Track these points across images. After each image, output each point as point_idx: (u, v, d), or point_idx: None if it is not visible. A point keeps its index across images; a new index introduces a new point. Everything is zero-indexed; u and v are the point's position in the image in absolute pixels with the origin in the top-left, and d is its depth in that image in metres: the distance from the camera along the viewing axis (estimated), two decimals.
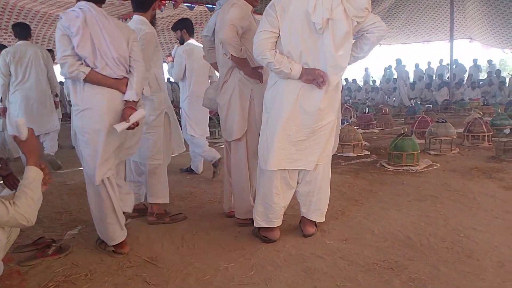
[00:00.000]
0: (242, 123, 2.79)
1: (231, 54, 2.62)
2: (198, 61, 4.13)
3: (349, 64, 2.48)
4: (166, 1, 9.50)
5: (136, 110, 2.40)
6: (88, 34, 2.25)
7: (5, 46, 6.06)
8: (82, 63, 2.28)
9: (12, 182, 2.23)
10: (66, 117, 8.93)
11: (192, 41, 4.29)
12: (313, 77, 2.35)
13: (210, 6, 10.09)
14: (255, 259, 2.36)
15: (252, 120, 2.81)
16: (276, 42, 2.40)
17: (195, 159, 4.62)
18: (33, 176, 1.81)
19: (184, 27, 4.25)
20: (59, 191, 3.96)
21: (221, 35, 2.62)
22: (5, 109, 4.78)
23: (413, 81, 16.74)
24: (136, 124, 2.39)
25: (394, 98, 15.28)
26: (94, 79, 2.29)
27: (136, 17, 2.88)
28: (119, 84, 2.38)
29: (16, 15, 9.95)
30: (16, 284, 2.14)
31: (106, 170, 2.36)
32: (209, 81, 4.40)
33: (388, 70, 18.79)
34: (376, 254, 2.37)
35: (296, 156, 2.47)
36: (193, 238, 2.72)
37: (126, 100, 2.39)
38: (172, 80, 8.97)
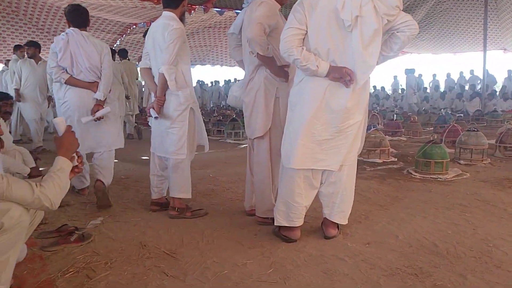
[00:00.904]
0: (266, 120, 2.77)
1: (258, 53, 2.61)
2: None
3: (378, 63, 2.43)
4: (196, 6, 9.64)
5: (103, 107, 3.31)
6: (69, 51, 3.28)
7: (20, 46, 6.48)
8: (63, 71, 3.32)
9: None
10: None
11: None
12: (341, 75, 2.30)
13: (239, 11, 10.20)
14: (275, 257, 2.33)
15: (277, 118, 2.78)
16: (304, 39, 2.38)
17: None
18: (60, 164, 1.85)
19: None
20: None
21: (249, 33, 2.61)
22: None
23: (443, 91, 16.36)
24: (100, 118, 3.28)
25: (423, 108, 14.98)
26: (71, 82, 3.34)
27: (165, 13, 2.93)
28: (91, 86, 3.36)
29: (52, 16, 10.32)
30: (38, 268, 2.18)
31: None
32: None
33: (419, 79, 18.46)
34: (399, 259, 2.29)
35: (320, 156, 2.43)
36: (213, 234, 2.71)
37: (96, 99, 3.32)
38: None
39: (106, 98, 3.39)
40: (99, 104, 3.32)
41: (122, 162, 5.36)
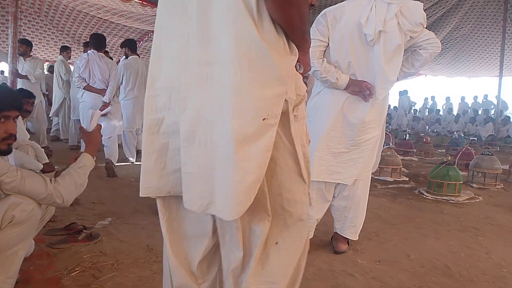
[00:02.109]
0: None
1: None
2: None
3: (398, 79, 2.41)
4: None
5: (108, 107, 4.60)
6: (88, 66, 4.70)
7: (68, 47, 6.70)
8: (83, 80, 4.72)
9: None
10: None
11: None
12: (360, 89, 2.29)
13: None
14: None
15: None
16: (324, 51, 2.37)
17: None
18: (84, 162, 1.86)
19: (127, 46, 5.63)
20: (95, 184, 4.03)
21: None
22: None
23: (457, 114, 16.26)
24: (105, 114, 4.49)
25: (435, 130, 14.89)
26: (88, 88, 4.75)
27: None
28: (101, 92, 4.76)
29: (87, 24, 10.51)
30: (44, 265, 2.17)
31: None
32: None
33: (432, 101, 18.41)
34: (411, 279, 2.23)
35: (336, 169, 2.40)
36: None
37: (103, 101, 4.71)
38: None
39: (110, 101, 4.79)
40: (105, 105, 4.65)
41: (131, 165, 5.38)
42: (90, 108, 4.23)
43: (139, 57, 5.81)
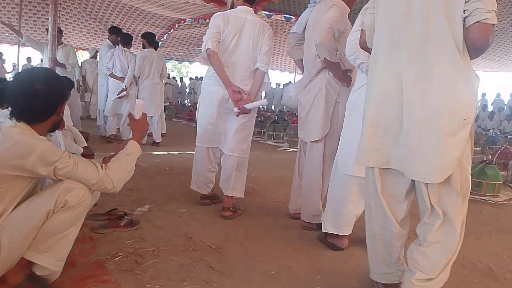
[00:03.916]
0: (325, 125, 2.72)
1: (325, 58, 2.56)
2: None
3: None
4: None
5: (124, 91, 5.95)
6: (112, 58, 6.05)
7: (121, 30, 6.89)
8: (108, 69, 6.07)
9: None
10: None
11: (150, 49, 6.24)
12: None
13: (287, 16, 10.15)
14: (321, 263, 2.28)
15: (335, 123, 2.72)
16: None
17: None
18: (132, 149, 1.89)
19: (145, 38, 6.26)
20: None
21: (317, 37, 2.56)
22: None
23: (492, 111, 15.72)
24: (121, 97, 6.01)
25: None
26: (112, 76, 6.06)
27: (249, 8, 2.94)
28: (121, 79, 5.96)
29: (111, 9, 10.66)
30: (88, 249, 2.22)
31: None
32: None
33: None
34: (453, 280, 2.17)
35: None
36: (257, 233, 2.68)
37: (122, 87, 5.98)
38: None
39: (127, 87, 5.98)
40: (123, 90, 5.93)
41: (166, 154, 5.46)
42: (111, 91, 6.10)
43: (155, 49, 6.49)
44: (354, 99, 2.42)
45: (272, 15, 11.03)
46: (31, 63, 12.79)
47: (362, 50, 2.24)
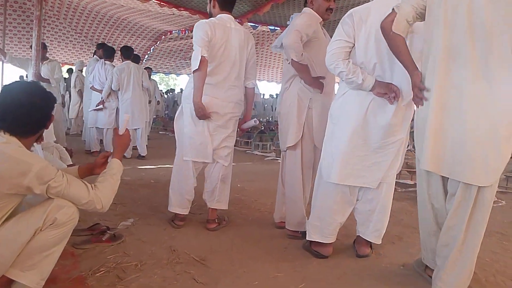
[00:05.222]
0: (297, 131, 2.74)
1: (292, 59, 2.59)
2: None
3: None
4: None
5: (102, 104, 6.15)
6: (93, 72, 6.37)
7: (106, 45, 6.84)
8: (90, 82, 6.37)
9: None
10: None
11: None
12: (386, 91, 2.25)
13: (272, 28, 10.24)
14: (306, 272, 2.27)
15: (309, 130, 2.76)
16: (350, 52, 2.34)
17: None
18: (117, 168, 1.90)
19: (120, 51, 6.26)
20: None
21: (285, 39, 2.62)
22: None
23: None
24: (99, 109, 6.19)
25: None
26: (93, 89, 6.36)
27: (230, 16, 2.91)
28: (101, 91, 6.15)
29: (91, 19, 10.65)
30: (69, 265, 2.18)
31: None
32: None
33: None
34: None
35: (361, 172, 2.36)
36: (242, 244, 2.67)
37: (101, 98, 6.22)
38: None
39: (104, 99, 6.17)
40: (101, 102, 6.15)
41: (151, 168, 5.42)
42: (93, 104, 6.18)
43: (137, 62, 6.65)
44: (337, 107, 2.44)
45: (257, 26, 11.12)
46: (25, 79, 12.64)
47: (342, 59, 2.29)
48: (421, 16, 2.01)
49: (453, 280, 1.97)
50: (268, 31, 11.23)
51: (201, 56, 2.60)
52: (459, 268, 1.97)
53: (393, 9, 2.02)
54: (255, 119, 3.04)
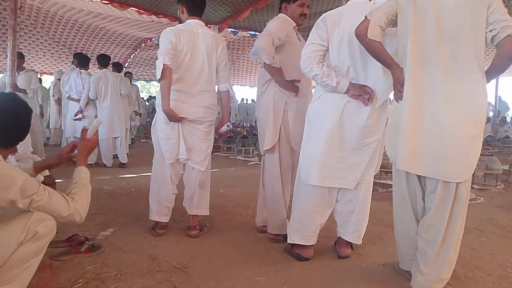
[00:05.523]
0: (273, 134, 2.76)
1: (264, 62, 2.62)
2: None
3: None
4: (212, 25, 9.75)
5: (80, 113, 5.99)
6: (69, 81, 6.21)
7: (81, 53, 6.78)
8: (67, 92, 6.34)
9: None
10: None
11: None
12: (360, 93, 2.29)
13: (253, 33, 10.29)
14: (288, 275, 2.27)
15: (286, 133, 2.78)
16: (324, 55, 2.37)
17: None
18: (86, 176, 1.89)
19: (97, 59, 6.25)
20: (95, 195, 3.98)
21: (256, 43, 2.65)
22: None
23: None
24: (78, 118, 6.06)
25: None
26: (70, 98, 6.23)
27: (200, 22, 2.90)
28: (79, 101, 6.03)
29: (70, 28, 10.53)
30: (47, 277, 2.15)
31: None
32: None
33: None
34: None
35: (339, 174, 2.39)
36: (224, 249, 2.66)
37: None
38: None
39: (82, 108, 6.06)
40: (79, 111, 6.04)
41: (132, 176, 5.37)
42: (70, 114, 6.06)
43: (119, 71, 6.75)
44: (313, 110, 2.46)
45: (238, 32, 11.15)
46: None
47: (317, 62, 2.32)
48: (392, 22, 2.08)
49: (434, 275, 2.04)
50: (248, 37, 11.26)
51: (163, 65, 2.61)
52: (440, 264, 2.04)
53: (365, 16, 2.07)
54: (228, 123, 3.04)
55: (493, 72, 1.98)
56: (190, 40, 2.77)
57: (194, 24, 2.83)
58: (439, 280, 2.05)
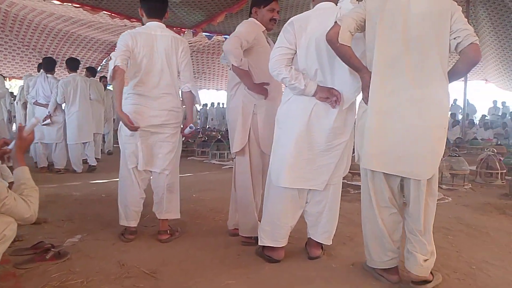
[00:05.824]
0: (242, 137, 2.77)
1: (232, 64, 2.64)
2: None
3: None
4: (186, 30, 9.72)
5: (48, 118, 5.80)
6: (35, 86, 5.93)
7: (48, 58, 6.56)
8: (33, 97, 5.97)
9: None
10: None
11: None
12: (327, 95, 2.32)
13: (227, 37, 10.32)
14: (259, 278, 2.28)
15: (255, 135, 2.79)
16: (292, 59, 2.40)
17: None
18: (30, 176, 1.92)
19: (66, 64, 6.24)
20: (64, 201, 3.94)
21: (225, 45, 2.67)
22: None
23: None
24: (46, 124, 5.78)
25: None
26: (36, 104, 5.91)
27: (161, 24, 2.88)
28: (46, 106, 5.86)
29: (39, 33, 10.30)
30: (10, 286, 2.09)
31: None
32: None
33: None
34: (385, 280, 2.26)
35: (309, 175, 2.42)
36: (196, 253, 2.64)
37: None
38: None
39: (51, 113, 5.88)
40: (47, 116, 5.83)
41: (103, 182, 5.28)
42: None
43: (93, 76, 6.76)
44: (282, 113, 2.49)
45: (213, 36, 11.16)
46: None
47: (285, 65, 2.34)
48: (361, 28, 2.15)
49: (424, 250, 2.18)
50: (223, 41, 11.28)
51: (114, 66, 2.59)
52: (424, 251, 2.17)
53: (335, 22, 2.12)
54: (191, 124, 3.01)
55: (454, 75, 2.09)
56: (147, 42, 2.75)
57: (152, 27, 2.82)
58: (432, 253, 2.19)
